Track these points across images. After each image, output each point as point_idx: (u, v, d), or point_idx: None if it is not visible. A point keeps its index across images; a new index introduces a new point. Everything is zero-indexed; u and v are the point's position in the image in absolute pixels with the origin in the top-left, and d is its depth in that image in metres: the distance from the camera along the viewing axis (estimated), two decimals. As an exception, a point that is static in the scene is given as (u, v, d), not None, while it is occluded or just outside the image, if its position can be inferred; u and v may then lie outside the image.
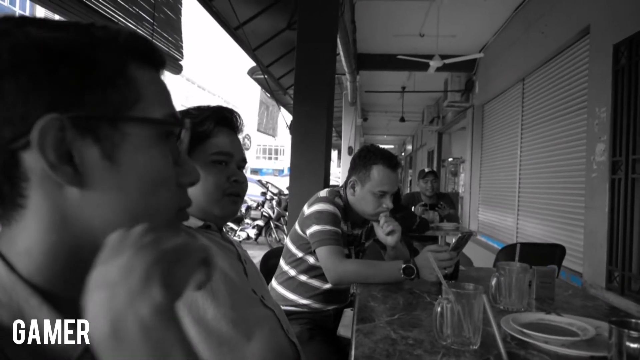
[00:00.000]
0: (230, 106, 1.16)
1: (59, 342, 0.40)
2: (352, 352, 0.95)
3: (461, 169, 10.02)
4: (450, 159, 11.05)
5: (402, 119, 10.35)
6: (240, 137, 1.15)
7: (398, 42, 6.43)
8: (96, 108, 0.42)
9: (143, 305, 0.36)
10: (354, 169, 1.81)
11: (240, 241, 7.54)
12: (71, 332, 0.40)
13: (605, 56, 3.26)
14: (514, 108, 5.68)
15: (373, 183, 1.72)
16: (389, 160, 1.75)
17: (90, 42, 0.43)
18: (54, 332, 0.40)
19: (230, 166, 1.08)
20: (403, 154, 21.07)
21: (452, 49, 6.27)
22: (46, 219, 0.42)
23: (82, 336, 0.40)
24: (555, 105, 4.42)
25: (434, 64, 5.29)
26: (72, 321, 0.41)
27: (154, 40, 3.01)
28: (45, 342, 0.39)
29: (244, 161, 1.13)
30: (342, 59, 5.55)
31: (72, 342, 0.40)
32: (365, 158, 1.77)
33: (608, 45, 3.23)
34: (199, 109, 1.10)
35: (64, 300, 0.42)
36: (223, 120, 1.09)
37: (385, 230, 1.68)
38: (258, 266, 1.72)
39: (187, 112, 1.09)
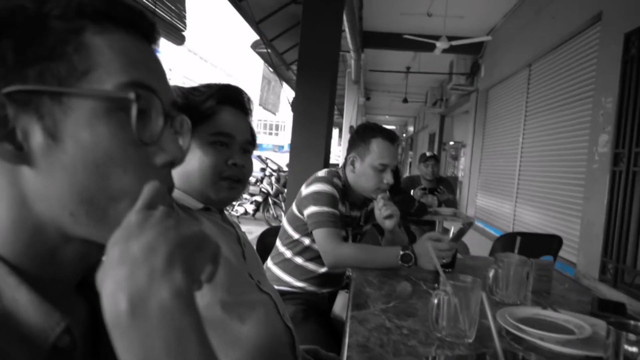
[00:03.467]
0: (232, 80, 1.11)
1: (37, 323, 0.39)
2: (346, 340, 0.95)
3: (462, 153, 9.99)
4: (451, 143, 11.01)
5: (405, 100, 10.27)
6: (249, 118, 1.09)
7: (405, 20, 6.32)
8: (38, 81, 0.39)
9: (164, 287, 0.35)
10: (352, 145, 1.80)
11: (237, 216, 7.58)
12: (49, 312, 0.39)
13: (616, 45, 3.20)
14: (518, 94, 5.61)
15: (373, 156, 1.72)
16: (388, 134, 1.76)
17: (37, 9, 0.39)
18: (31, 312, 0.39)
19: (232, 148, 1.03)
20: (404, 135, 20.99)
21: (460, 30, 6.16)
22: (6, 195, 0.41)
23: (60, 317, 0.40)
24: (561, 93, 4.37)
25: (440, 45, 5.21)
26: (50, 301, 0.40)
27: (156, 11, 2.94)
28: (23, 322, 0.38)
29: (250, 144, 1.07)
30: (347, 36, 5.46)
31: (51, 322, 0.39)
32: (364, 133, 1.77)
33: (619, 34, 3.17)
34: (208, 87, 1.04)
35: (43, 281, 0.41)
36: (227, 98, 1.03)
37: (384, 214, 1.67)
38: (254, 244, 1.71)
39: (195, 89, 1.03)
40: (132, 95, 0.41)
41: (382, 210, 1.65)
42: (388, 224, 1.67)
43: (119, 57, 0.42)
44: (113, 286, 0.35)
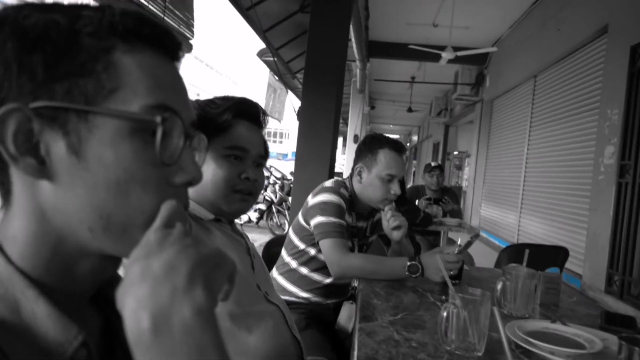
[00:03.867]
0: (238, 87, 1.11)
1: (55, 336, 0.39)
2: (355, 353, 0.94)
3: (466, 163, 9.98)
4: (455, 152, 11.00)
5: (410, 109, 10.29)
6: (263, 132, 1.10)
7: (410, 31, 6.35)
8: (66, 98, 0.39)
9: (186, 304, 0.35)
10: (359, 156, 1.80)
11: (241, 224, 7.56)
12: (67, 325, 0.40)
13: (622, 57, 3.21)
14: (523, 105, 5.62)
15: (380, 167, 1.71)
16: (395, 144, 1.76)
17: (70, 25, 0.39)
18: (50, 325, 0.39)
19: (246, 162, 1.03)
20: (409, 144, 21.00)
21: (465, 41, 6.18)
22: (26, 208, 0.41)
23: (78, 330, 0.40)
24: (566, 105, 4.37)
25: (445, 55, 5.22)
26: (68, 315, 0.40)
27: (164, 19, 2.97)
28: (41, 335, 0.38)
29: (263, 158, 1.08)
30: (354, 45, 5.48)
31: (68, 336, 0.39)
32: (371, 144, 1.77)
33: (625, 46, 3.17)
34: (224, 99, 1.05)
35: (59, 294, 0.41)
36: (243, 113, 1.04)
37: (392, 225, 1.66)
38: (260, 251, 1.71)
39: (212, 102, 1.04)
40: (158, 119, 0.41)
41: (391, 221, 1.65)
42: (396, 235, 1.67)
43: (146, 77, 0.42)
44: (135, 304, 0.35)
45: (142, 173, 0.41)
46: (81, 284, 0.44)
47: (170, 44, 0.45)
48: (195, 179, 0.46)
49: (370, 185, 1.73)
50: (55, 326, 0.39)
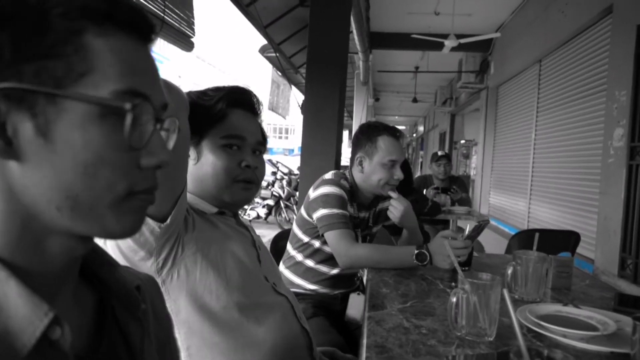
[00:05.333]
0: (241, 84, 1.11)
1: (25, 314, 0.39)
2: (364, 341, 0.94)
3: (473, 151, 9.92)
4: (462, 141, 10.93)
5: (415, 100, 10.23)
6: (259, 119, 1.09)
7: (412, 20, 6.29)
8: (34, 80, 0.38)
9: None
10: (357, 145, 1.81)
11: (250, 220, 7.62)
12: (37, 303, 0.40)
13: (628, 37, 3.15)
14: (529, 90, 5.56)
15: (381, 154, 1.73)
16: (392, 130, 1.79)
17: (39, 5, 0.39)
18: (20, 304, 0.39)
19: (244, 150, 1.03)
20: (415, 135, 20.91)
21: (468, 28, 6.12)
22: None
23: (49, 308, 0.40)
24: (573, 88, 4.31)
25: (448, 43, 5.17)
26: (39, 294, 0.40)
27: (165, 18, 2.96)
28: (12, 315, 0.39)
29: (262, 144, 1.07)
30: (355, 37, 5.45)
31: (39, 313, 0.39)
32: (368, 132, 1.79)
33: (631, 26, 3.12)
34: (216, 90, 1.04)
35: (30, 273, 0.42)
36: (236, 101, 1.03)
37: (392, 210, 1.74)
38: (268, 247, 1.71)
39: (204, 93, 1.03)
40: (128, 106, 0.41)
41: (394, 205, 1.72)
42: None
43: (118, 62, 0.42)
44: None
45: (111, 156, 0.41)
46: (52, 263, 0.44)
47: (144, 27, 0.45)
48: (164, 162, 0.46)
49: (373, 173, 1.74)
50: (25, 304, 0.39)
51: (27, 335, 0.38)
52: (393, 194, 1.73)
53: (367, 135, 1.77)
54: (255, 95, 1.08)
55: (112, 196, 0.42)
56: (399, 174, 1.73)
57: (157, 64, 0.48)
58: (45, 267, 0.43)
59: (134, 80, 0.42)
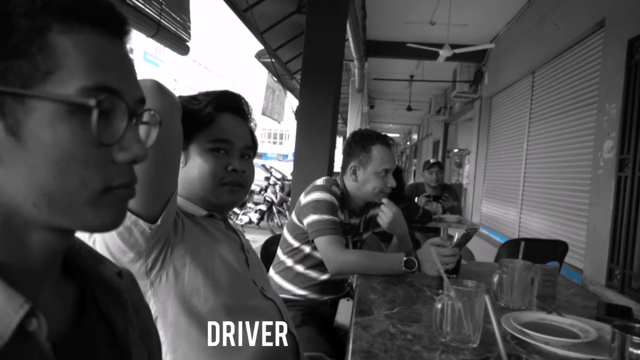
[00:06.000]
0: (236, 89, 1.12)
1: (1, 309, 0.39)
2: (350, 346, 0.95)
3: (466, 160, 9.98)
4: (455, 150, 11.00)
5: (409, 108, 10.29)
6: (249, 123, 1.09)
7: (408, 29, 6.35)
8: (1, 80, 0.39)
9: None
10: (350, 154, 1.81)
11: (242, 225, 7.58)
12: (13, 296, 0.40)
13: (619, 51, 3.21)
14: (522, 101, 5.61)
15: (375, 163, 1.74)
16: (385, 139, 1.80)
17: (1, 7, 0.39)
18: None
19: (232, 154, 1.03)
20: (409, 143, 20.99)
21: (463, 38, 6.18)
22: None
23: (24, 300, 0.40)
24: (565, 100, 4.37)
25: (443, 53, 5.22)
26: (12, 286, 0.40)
27: (161, 21, 2.98)
28: None
29: (251, 149, 1.08)
30: (351, 45, 5.49)
31: (14, 305, 0.40)
32: (362, 141, 1.79)
33: (623, 40, 3.17)
34: (206, 94, 1.05)
35: (9, 268, 0.42)
36: (225, 105, 1.04)
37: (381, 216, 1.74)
38: (258, 252, 1.71)
39: (194, 98, 1.04)
40: (92, 102, 0.41)
41: (384, 210, 1.72)
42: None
43: (84, 59, 0.42)
44: None
45: (82, 153, 0.42)
46: (34, 258, 0.44)
47: (113, 21, 0.45)
48: (139, 157, 0.46)
49: (367, 182, 1.75)
50: (1, 297, 0.40)
51: (2, 327, 0.39)
52: (383, 200, 1.75)
53: (360, 145, 1.78)
54: (244, 99, 1.09)
55: (88, 192, 0.42)
56: (392, 182, 1.75)
57: (131, 57, 0.48)
58: (27, 261, 0.44)
59: (103, 75, 0.42)
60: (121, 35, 0.46)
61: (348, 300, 1.77)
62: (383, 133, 1.86)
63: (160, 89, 0.80)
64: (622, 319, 1.16)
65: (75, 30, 0.42)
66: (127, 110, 0.45)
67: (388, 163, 1.75)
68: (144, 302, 0.65)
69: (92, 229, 0.45)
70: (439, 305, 0.97)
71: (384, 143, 1.77)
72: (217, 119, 1.03)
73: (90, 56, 0.42)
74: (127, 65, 0.47)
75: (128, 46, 0.48)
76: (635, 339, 0.75)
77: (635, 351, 0.74)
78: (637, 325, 0.81)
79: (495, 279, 1.28)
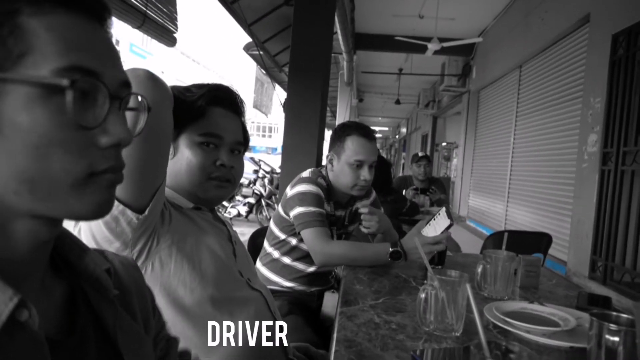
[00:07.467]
0: (224, 82, 1.11)
1: None
2: (334, 335, 0.96)
3: (454, 153, 10.05)
4: (444, 144, 11.06)
5: (398, 102, 10.32)
6: (241, 118, 1.08)
7: (397, 22, 6.36)
8: None
9: None
10: (330, 144, 1.83)
11: (231, 218, 7.55)
12: (2, 288, 0.39)
13: (604, 46, 3.25)
14: (509, 95, 5.66)
15: (348, 153, 1.73)
16: (363, 130, 1.77)
17: None
18: None
19: (221, 149, 1.03)
20: (397, 136, 21.06)
21: (451, 32, 6.21)
22: None
23: (14, 292, 0.40)
24: (551, 94, 4.42)
25: (432, 46, 5.24)
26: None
27: (147, 12, 2.94)
28: None
29: (241, 144, 1.07)
30: (340, 37, 5.48)
31: (4, 298, 0.39)
32: (340, 131, 1.79)
33: (607, 35, 3.21)
34: (200, 87, 1.04)
35: None
36: (217, 99, 1.03)
37: (364, 229, 1.77)
38: (246, 244, 1.71)
39: (188, 89, 1.03)
40: (65, 82, 0.40)
41: (364, 224, 1.75)
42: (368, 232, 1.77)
43: (57, 40, 0.41)
44: None
45: (61, 136, 0.41)
46: (18, 248, 0.44)
47: (89, 4, 0.44)
48: (124, 141, 0.45)
49: (340, 173, 1.76)
50: None
51: None
52: (363, 210, 1.74)
53: (338, 135, 1.79)
54: (238, 95, 1.08)
55: (71, 177, 0.42)
56: (365, 175, 1.73)
57: (114, 43, 0.47)
58: (11, 252, 0.43)
59: (78, 56, 0.41)
60: (100, 19, 0.45)
61: (333, 292, 1.78)
62: (370, 127, 1.86)
63: (152, 79, 0.80)
64: (602, 309, 1.19)
65: (47, 12, 0.41)
66: (108, 93, 0.44)
67: (361, 154, 1.72)
68: (145, 285, 0.65)
69: (78, 217, 0.44)
70: (423, 295, 0.99)
71: (361, 134, 1.75)
72: (208, 112, 1.02)
73: (64, 37, 0.41)
74: (107, 48, 0.46)
75: (111, 32, 0.47)
76: (612, 326, 0.77)
77: (612, 338, 0.76)
78: (614, 313, 0.83)
79: (479, 269, 1.30)
